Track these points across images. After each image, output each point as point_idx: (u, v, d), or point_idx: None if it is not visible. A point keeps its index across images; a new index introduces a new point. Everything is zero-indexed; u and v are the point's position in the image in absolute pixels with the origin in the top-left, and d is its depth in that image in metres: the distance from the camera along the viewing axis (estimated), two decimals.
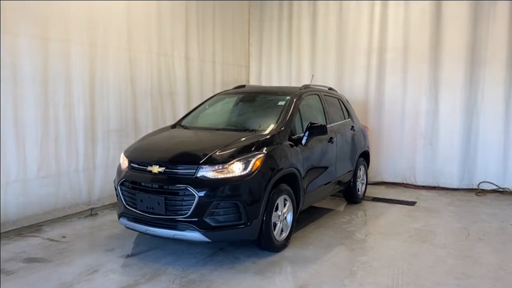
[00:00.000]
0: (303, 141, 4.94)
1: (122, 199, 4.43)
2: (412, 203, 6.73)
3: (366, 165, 6.98)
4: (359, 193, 6.72)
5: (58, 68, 5.38)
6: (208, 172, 4.09)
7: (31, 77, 5.08)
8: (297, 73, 8.82)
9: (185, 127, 5.33)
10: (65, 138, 5.53)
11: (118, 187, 4.48)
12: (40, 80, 5.17)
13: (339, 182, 5.99)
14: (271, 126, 4.89)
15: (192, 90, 7.61)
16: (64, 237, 4.96)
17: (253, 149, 4.34)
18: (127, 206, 4.38)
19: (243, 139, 4.54)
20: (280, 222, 4.53)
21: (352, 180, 6.40)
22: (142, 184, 4.25)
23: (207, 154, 4.20)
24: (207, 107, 5.77)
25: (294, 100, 5.27)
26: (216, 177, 4.09)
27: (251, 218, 4.13)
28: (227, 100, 5.85)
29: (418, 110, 7.81)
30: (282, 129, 4.80)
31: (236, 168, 4.14)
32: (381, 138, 8.10)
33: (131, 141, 6.42)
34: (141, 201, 4.22)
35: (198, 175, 4.08)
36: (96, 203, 5.99)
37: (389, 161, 8.09)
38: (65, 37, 5.43)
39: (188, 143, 4.74)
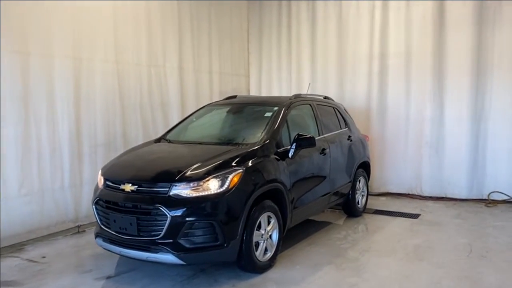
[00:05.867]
0: (290, 154, 4.68)
1: (98, 218, 4.24)
2: (415, 216, 6.37)
3: (366, 177, 6.64)
4: (359, 206, 6.40)
5: (40, 83, 5.25)
6: (182, 190, 3.86)
7: (9, 93, 4.96)
8: (297, 81, 8.55)
9: (169, 141, 5.12)
10: (49, 154, 5.39)
11: (93, 206, 4.28)
12: (19, 96, 5.06)
13: (336, 195, 5.70)
14: (255, 139, 4.65)
15: (186, 101, 7.41)
16: (44, 257, 4.79)
17: (232, 164, 4.10)
18: (102, 226, 4.18)
19: (223, 153, 4.30)
20: (264, 241, 4.27)
21: (350, 192, 6.10)
22: (115, 203, 4.05)
23: (181, 171, 3.98)
24: (194, 119, 5.56)
25: (282, 111, 5.01)
26: (189, 195, 3.85)
27: (228, 238, 3.88)
28: (215, 112, 5.62)
29: (423, 117, 7.44)
30: (266, 142, 4.55)
31: (212, 185, 3.90)
32: (385, 147, 7.76)
33: None
34: (114, 221, 4.02)
35: (171, 193, 3.86)
36: (83, 220, 5.82)
37: (394, 171, 7.74)
38: (48, 52, 5.32)
39: (165, 159, 4.50)
